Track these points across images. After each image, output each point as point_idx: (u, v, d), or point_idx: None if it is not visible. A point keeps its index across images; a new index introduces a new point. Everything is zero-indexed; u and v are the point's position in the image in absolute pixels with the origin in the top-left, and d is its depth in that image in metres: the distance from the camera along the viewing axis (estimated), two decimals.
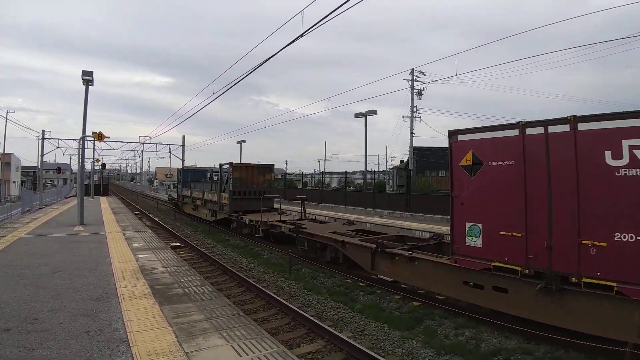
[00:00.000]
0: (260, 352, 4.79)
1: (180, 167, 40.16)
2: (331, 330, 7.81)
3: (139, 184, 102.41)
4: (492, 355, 7.25)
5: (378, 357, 6.69)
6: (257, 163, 23.56)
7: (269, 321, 8.75)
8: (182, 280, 8.21)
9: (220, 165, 23.58)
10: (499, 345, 7.65)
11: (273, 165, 24.12)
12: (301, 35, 11.43)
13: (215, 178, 30.68)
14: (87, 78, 17.06)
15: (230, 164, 21.66)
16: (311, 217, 19.51)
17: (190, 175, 32.24)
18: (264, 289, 10.66)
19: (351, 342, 7.27)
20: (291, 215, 18.96)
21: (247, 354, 4.70)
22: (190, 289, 7.57)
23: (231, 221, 21.69)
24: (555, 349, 7.41)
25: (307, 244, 14.01)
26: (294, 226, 14.97)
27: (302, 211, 18.72)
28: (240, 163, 22.60)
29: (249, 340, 5.14)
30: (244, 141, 54.27)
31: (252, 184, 22.30)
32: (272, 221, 17.46)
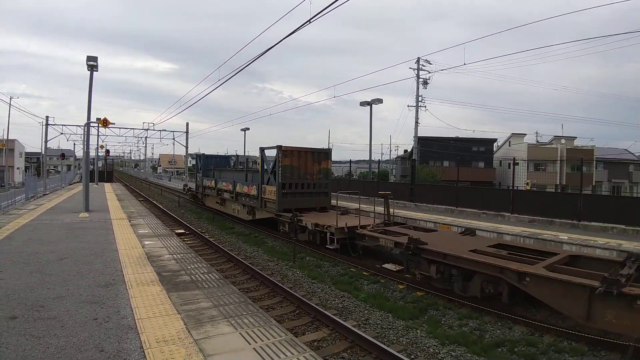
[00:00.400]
0: (269, 339, 4.80)
1: (184, 153, 39.55)
2: (336, 318, 7.85)
3: (142, 170, 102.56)
4: (496, 346, 7.29)
5: (383, 345, 6.73)
6: (311, 147, 18.35)
7: (273, 309, 8.81)
8: (189, 267, 8.23)
9: (262, 149, 18.16)
10: (503, 336, 7.71)
11: (330, 150, 19.43)
12: (309, 21, 11.27)
13: (231, 165, 28.68)
14: (92, 64, 16.95)
15: (279, 147, 16.62)
16: (401, 222, 15.15)
17: (213, 163, 27.55)
18: (268, 277, 10.70)
19: (356, 330, 7.32)
20: (358, 215, 13.99)
21: (256, 342, 4.71)
22: (197, 276, 7.59)
23: (279, 222, 17.13)
24: (559, 340, 7.47)
25: (435, 269, 9.69)
26: (407, 241, 10.15)
27: (386, 213, 14.03)
28: (292, 147, 17.20)
29: (257, 328, 5.14)
30: (247, 128, 54.14)
31: (306, 174, 17.57)
32: (356, 227, 12.76)
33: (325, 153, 18.70)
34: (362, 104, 32.49)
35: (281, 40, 13.25)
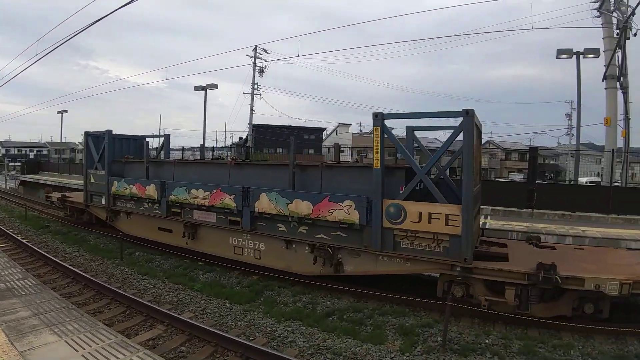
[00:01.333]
0: (98, 344, 4.62)
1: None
2: (170, 313, 7.75)
3: None
4: (327, 316, 8.09)
5: (221, 332, 6.91)
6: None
7: (102, 312, 8.28)
8: (1, 273, 7.39)
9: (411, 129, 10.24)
10: (333, 306, 8.55)
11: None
12: None
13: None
14: None
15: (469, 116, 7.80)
16: None
17: (143, 150, 14.43)
18: (92, 279, 9.98)
19: (192, 322, 7.35)
20: None
21: (84, 348, 4.51)
22: (12, 283, 6.86)
23: (467, 285, 8.12)
24: (382, 304, 8.56)
25: None
26: None
27: None
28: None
29: (83, 333, 4.90)
30: (65, 111, 48.71)
31: (476, 172, 9.00)
32: None
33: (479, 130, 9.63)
34: (197, 88, 31.76)
35: (110, 14, 12.09)
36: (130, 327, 7.55)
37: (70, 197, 18.06)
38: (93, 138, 15.58)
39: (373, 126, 8.64)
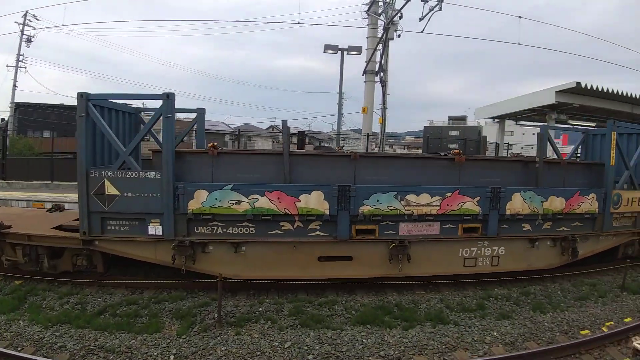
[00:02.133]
0: None
1: None
2: None
3: None
4: (99, 314, 7.94)
5: None
6: None
7: None
8: None
9: None
10: (105, 303, 8.41)
11: None
12: None
13: None
14: None
15: None
16: None
17: None
18: None
19: None
20: None
21: None
22: None
23: None
24: (158, 293, 8.84)
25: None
26: None
27: None
28: None
29: None
30: None
31: None
32: None
33: None
34: None
35: None
36: None
37: (10, 227, 9.18)
38: (101, 109, 8.76)
39: (610, 132, 10.39)
